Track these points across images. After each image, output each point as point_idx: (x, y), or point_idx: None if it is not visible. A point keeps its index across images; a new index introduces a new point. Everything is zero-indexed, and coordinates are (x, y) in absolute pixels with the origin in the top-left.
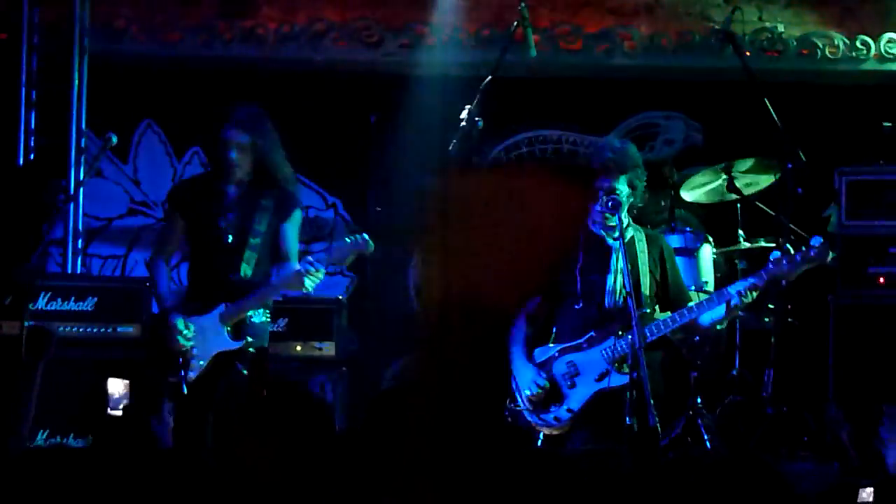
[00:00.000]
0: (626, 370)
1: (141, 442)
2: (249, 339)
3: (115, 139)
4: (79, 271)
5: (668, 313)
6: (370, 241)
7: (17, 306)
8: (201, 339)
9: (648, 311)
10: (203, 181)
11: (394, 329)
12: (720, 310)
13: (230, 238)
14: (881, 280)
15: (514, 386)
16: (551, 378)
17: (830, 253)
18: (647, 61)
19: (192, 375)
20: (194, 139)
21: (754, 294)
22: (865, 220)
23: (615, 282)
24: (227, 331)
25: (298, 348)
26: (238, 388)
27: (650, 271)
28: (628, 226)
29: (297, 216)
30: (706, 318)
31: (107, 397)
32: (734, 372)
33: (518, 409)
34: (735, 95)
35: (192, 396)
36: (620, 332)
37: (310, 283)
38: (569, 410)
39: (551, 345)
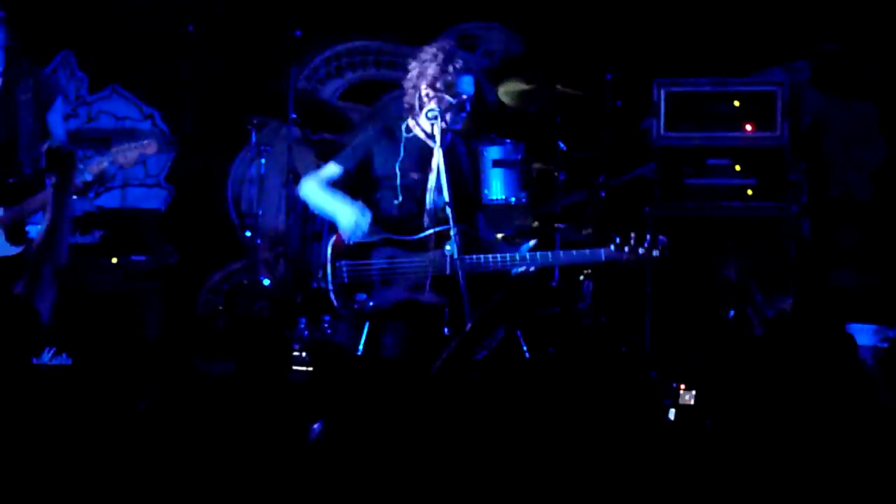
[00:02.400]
0: (440, 290)
1: None
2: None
3: None
4: None
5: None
6: (154, 141)
7: None
8: None
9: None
10: None
11: (211, 241)
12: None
13: None
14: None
15: (324, 252)
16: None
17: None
18: None
19: None
20: None
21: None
22: (683, 131)
23: (436, 181)
24: (6, 236)
25: (114, 261)
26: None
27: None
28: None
29: (59, 103)
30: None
31: None
32: (553, 284)
33: (323, 287)
34: (555, 5)
35: None
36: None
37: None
38: (375, 307)
39: (374, 227)
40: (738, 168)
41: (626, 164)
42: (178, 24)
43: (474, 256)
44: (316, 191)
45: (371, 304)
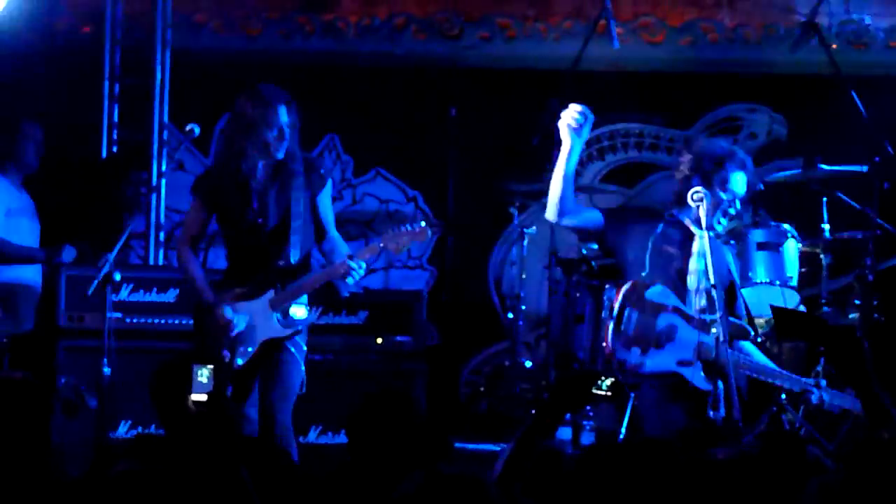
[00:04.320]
0: (709, 375)
1: (223, 428)
2: (298, 326)
3: (197, 131)
4: (160, 263)
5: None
6: (426, 227)
7: (101, 297)
8: (250, 326)
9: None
10: (225, 166)
11: (473, 322)
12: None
13: (270, 223)
14: None
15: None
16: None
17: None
18: (730, 54)
19: (239, 362)
20: None
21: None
22: None
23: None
24: (277, 317)
25: (379, 341)
26: (293, 369)
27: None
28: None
29: (329, 185)
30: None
31: (191, 383)
32: (819, 368)
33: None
34: (820, 89)
35: (239, 384)
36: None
37: (351, 280)
38: (644, 368)
39: (668, 291)
40: None
41: (894, 246)
42: (441, 107)
43: (744, 355)
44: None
45: (643, 363)
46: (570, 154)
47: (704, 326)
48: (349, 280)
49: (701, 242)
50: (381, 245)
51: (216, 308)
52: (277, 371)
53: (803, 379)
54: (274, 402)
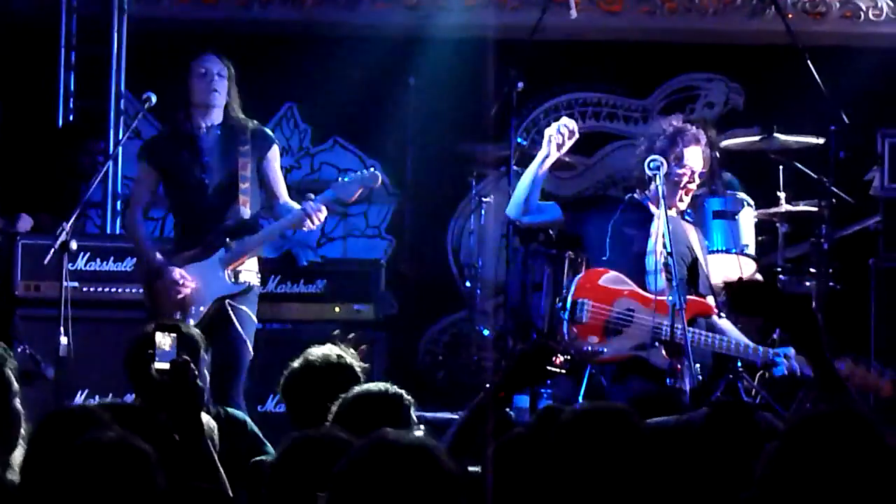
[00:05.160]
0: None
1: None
2: (250, 283)
3: (154, 99)
4: (117, 232)
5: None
6: (376, 174)
7: (57, 266)
8: (201, 285)
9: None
10: (172, 131)
11: (431, 291)
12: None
13: (216, 180)
14: None
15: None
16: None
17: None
18: (688, 23)
19: (190, 321)
20: None
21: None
22: None
23: (655, 243)
24: (228, 275)
25: (337, 310)
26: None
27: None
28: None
29: (275, 149)
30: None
31: (154, 350)
32: (775, 335)
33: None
34: (777, 58)
35: None
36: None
37: (311, 224)
38: (602, 354)
39: (623, 277)
40: None
41: (849, 215)
42: (398, 76)
43: (703, 334)
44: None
45: (601, 349)
46: (543, 161)
47: (662, 307)
48: (309, 224)
49: (657, 220)
50: (334, 194)
51: (163, 270)
52: (227, 329)
53: (770, 351)
54: (230, 333)
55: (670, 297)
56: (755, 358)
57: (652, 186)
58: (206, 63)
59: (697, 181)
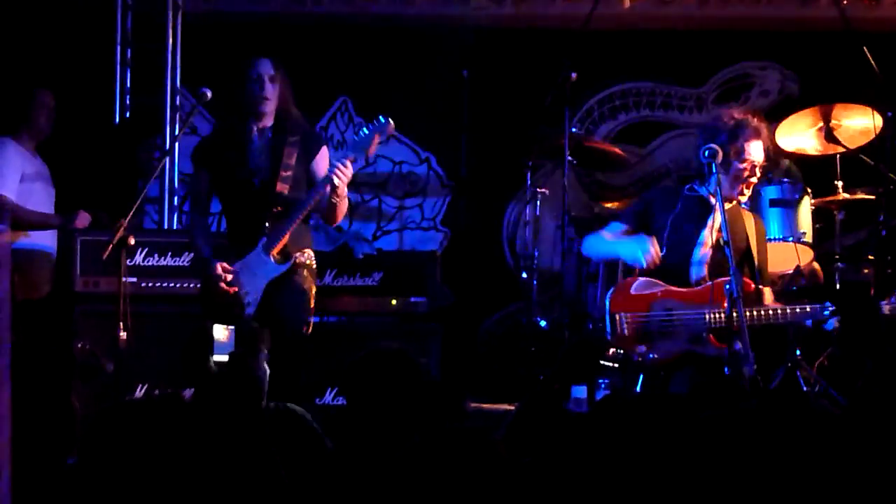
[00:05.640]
0: (721, 340)
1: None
2: (296, 256)
3: (209, 95)
4: (174, 228)
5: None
6: (389, 121)
7: (115, 261)
8: (249, 275)
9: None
10: (224, 132)
11: (487, 283)
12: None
13: (262, 177)
14: None
15: (604, 304)
16: (648, 316)
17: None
18: (741, 11)
19: (249, 312)
20: None
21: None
22: None
23: (710, 236)
24: (273, 258)
25: (393, 302)
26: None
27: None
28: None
29: (325, 153)
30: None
31: (211, 344)
32: (833, 324)
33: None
34: (831, 45)
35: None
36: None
37: (338, 182)
38: (654, 358)
39: (653, 280)
40: None
41: None
42: (453, 69)
43: (756, 310)
44: (595, 242)
45: (651, 356)
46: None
47: (699, 297)
48: (336, 182)
49: (715, 213)
50: (352, 152)
51: (207, 265)
52: (288, 288)
53: (818, 306)
54: (285, 305)
55: (727, 286)
56: (811, 316)
57: (711, 178)
58: (259, 68)
59: (759, 174)
